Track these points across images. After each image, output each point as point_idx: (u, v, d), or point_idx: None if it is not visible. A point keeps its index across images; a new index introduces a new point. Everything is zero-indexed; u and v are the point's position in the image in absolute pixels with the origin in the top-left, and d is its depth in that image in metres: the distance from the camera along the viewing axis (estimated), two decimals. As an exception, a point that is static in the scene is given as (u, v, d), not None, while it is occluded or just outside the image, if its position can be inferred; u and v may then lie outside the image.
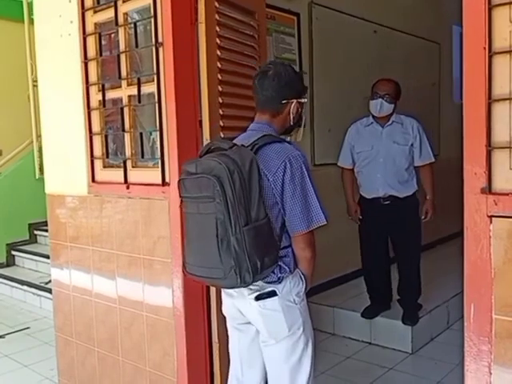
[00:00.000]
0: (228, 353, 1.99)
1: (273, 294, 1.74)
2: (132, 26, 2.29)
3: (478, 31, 1.30)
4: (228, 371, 2.00)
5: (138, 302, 2.40)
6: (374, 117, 3.47)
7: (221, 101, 2.26)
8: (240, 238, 1.56)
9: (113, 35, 2.49)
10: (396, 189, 3.48)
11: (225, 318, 1.96)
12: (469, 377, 1.40)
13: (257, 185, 1.61)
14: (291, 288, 1.76)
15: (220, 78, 2.25)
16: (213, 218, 1.59)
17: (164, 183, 2.19)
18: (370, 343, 3.66)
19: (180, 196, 1.74)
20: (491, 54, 1.28)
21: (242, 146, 1.69)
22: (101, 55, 2.49)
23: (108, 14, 2.41)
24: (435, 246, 5.73)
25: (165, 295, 2.26)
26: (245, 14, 2.44)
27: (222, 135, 2.27)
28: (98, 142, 2.54)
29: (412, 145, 3.44)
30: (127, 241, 2.42)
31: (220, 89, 2.26)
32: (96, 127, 2.53)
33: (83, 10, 2.52)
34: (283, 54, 3.66)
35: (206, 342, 2.25)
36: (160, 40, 2.12)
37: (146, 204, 2.30)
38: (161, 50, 2.12)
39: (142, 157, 2.34)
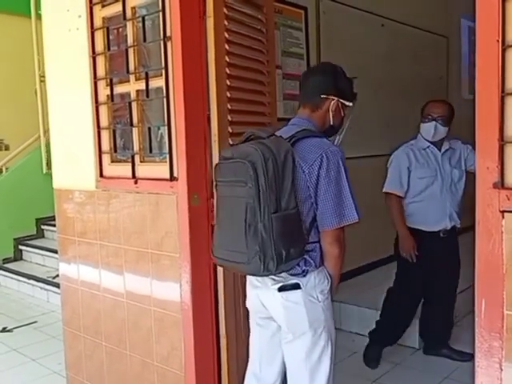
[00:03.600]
0: (236, 347, 2.00)
1: (296, 286, 1.73)
2: (140, 20, 2.28)
3: (491, 24, 1.28)
4: (236, 365, 2.01)
5: (145, 296, 2.41)
6: (426, 140, 3.16)
7: (229, 95, 2.25)
8: (268, 225, 1.57)
9: (121, 29, 2.48)
10: (458, 219, 3.16)
11: (233, 312, 1.97)
12: (479, 373, 1.39)
13: (290, 175, 1.63)
14: (315, 284, 1.76)
15: (228, 72, 2.24)
16: (243, 202, 1.60)
17: (172, 178, 2.18)
18: (376, 338, 3.66)
19: (215, 180, 1.79)
20: (505, 47, 1.27)
21: (281, 137, 1.72)
22: (109, 50, 2.49)
23: (116, 8, 2.40)
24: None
25: (172, 290, 2.26)
26: (253, 7, 2.42)
27: (231, 130, 2.26)
28: (105, 136, 2.54)
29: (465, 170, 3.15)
30: (135, 236, 2.42)
31: (228, 83, 2.24)
32: (104, 122, 2.53)
33: (91, 4, 2.52)
34: (291, 49, 3.64)
35: (213, 336, 2.25)
36: (168, 34, 2.11)
37: (154, 199, 2.30)
38: (169, 44, 2.11)
39: (150, 152, 2.33)
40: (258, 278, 1.78)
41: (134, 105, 2.36)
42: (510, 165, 1.29)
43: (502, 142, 1.29)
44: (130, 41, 2.35)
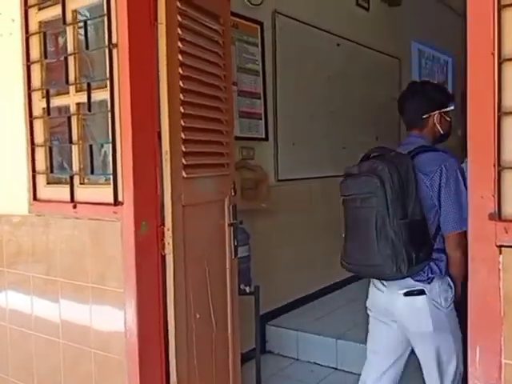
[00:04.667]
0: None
1: (422, 292, 1.89)
2: (82, 24, 2.03)
3: (486, 35, 1.14)
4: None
5: (84, 336, 2.11)
6: None
7: (182, 110, 2.03)
8: (397, 231, 1.76)
9: (60, 35, 2.21)
10: None
11: (186, 355, 1.74)
12: (474, 431, 1.22)
13: (413, 185, 1.82)
14: (440, 292, 1.90)
15: (182, 85, 2.02)
16: (373, 211, 1.79)
17: (116, 202, 1.92)
18: (336, 369, 3.47)
19: (342, 196, 2.03)
20: (501, 61, 1.12)
21: (400, 153, 1.94)
22: (46, 57, 2.21)
23: (55, 12, 2.13)
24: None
25: (116, 330, 1.98)
26: (209, 16, 2.23)
27: (184, 148, 2.04)
28: (41, 154, 2.25)
29: None
30: (73, 267, 2.13)
31: (182, 97, 2.02)
32: (39, 138, 2.24)
33: (26, 6, 2.24)
34: (246, 65, 3.47)
35: (163, 382, 1.99)
36: (114, 41, 1.86)
37: (96, 226, 2.03)
38: (115, 52, 1.87)
39: (92, 172, 2.06)
40: (384, 283, 1.98)
41: (73, 119, 2.09)
42: (508, 193, 1.14)
43: (499, 167, 1.14)
44: (70, 48, 2.08)
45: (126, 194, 1.88)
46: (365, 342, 3.36)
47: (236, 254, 2.47)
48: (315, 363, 3.56)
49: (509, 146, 1.13)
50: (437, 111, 2.07)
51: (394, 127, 5.63)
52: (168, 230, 1.99)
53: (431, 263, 1.88)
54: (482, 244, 1.17)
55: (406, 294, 1.91)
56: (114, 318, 1.98)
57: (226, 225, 2.41)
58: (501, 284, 1.15)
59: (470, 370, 1.21)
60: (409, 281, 1.88)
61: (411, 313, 1.93)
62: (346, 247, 2.00)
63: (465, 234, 1.73)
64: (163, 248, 1.99)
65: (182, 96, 2.02)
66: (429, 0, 6.48)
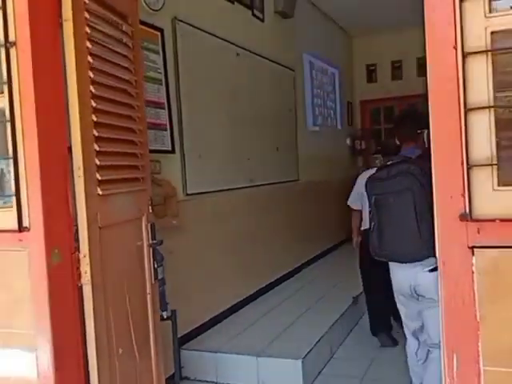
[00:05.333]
0: None
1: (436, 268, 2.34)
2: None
3: (447, 28, 1.09)
4: None
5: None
6: None
7: (95, 119, 1.79)
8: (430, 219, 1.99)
9: None
10: None
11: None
12: None
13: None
14: None
15: (93, 90, 1.79)
16: (410, 204, 2.26)
17: (21, 229, 1.62)
18: (259, 387, 3.34)
19: (373, 194, 2.50)
20: (465, 55, 1.08)
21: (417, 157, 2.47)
22: None
23: None
24: (301, 270, 5.71)
25: (26, 378, 1.67)
26: (117, 16, 2.02)
27: (98, 162, 1.80)
28: None
29: None
30: (-34, 309, 1.78)
31: (94, 104, 1.79)
32: None
33: None
34: (148, 73, 3.25)
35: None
36: (11, 39, 1.59)
37: (-5, 257, 1.71)
38: (13, 51, 1.59)
39: (-13, 194, 1.74)
40: (410, 265, 2.40)
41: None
42: (479, 192, 1.09)
43: (468, 165, 1.09)
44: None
45: (33, 217, 1.60)
46: (285, 356, 3.33)
47: (156, 277, 2.26)
48: (235, 384, 3.40)
49: (477, 142, 1.09)
50: (425, 130, 2.48)
51: (292, 138, 5.72)
52: (84, 256, 1.73)
53: None
54: (454, 246, 1.12)
55: (432, 271, 2.26)
56: (23, 368, 1.67)
57: (145, 246, 2.19)
58: (475, 287, 1.10)
59: (447, 380, 1.14)
60: (431, 260, 2.19)
61: (436, 283, 2.16)
62: (382, 238, 2.44)
63: None
64: (79, 278, 1.73)
65: (93, 103, 1.79)
66: (317, 15, 6.72)
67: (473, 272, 1.10)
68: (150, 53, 3.32)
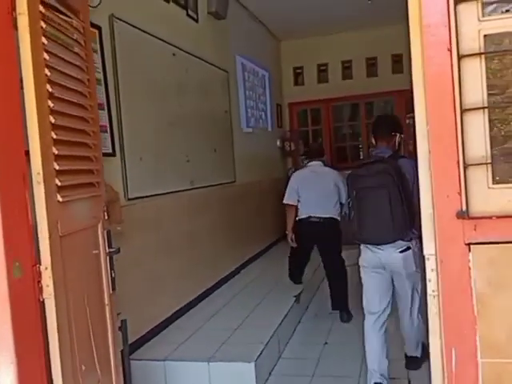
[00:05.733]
0: None
1: (409, 248, 2.94)
2: None
3: (442, 31, 1.12)
4: None
5: None
6: None
7: (53, 121, 1.66)
8: (405, 210, 2.75)
9: None
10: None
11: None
12: None
13: (402, 178, 2.79)
14: (416, 243, 2.91)
15: (50, 90, 1.66)
16: (386, 198, 2.76)
17: (-24, 242, 1.47)
18: (211, 393, 3.28)
19: (355, 189, 2.93)
20: (460, 57, 1.11)
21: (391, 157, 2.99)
22: None
23: None
24: (240, 271, 5.69)
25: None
26: (69, 10, 1.89)
27: (57, 166, 1.67)
28: None
29: None
30: None
31: (51, 105, 1.66)
32: None
33: None
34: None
35: None
36: (-39, 31, 1.44)
37: None
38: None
39: None
40: (381, 247, 2.93)
41: None
42: (475, 190, 1.13)
43: (464, 164, 1.12)
44: None
45: (-8, 229, 1.45)
46: (237, 359, 3.29)
47: (114, 287, 2.14)
48: (187, 393, 3.32)
49: (472, 142, 1.12)
50: (399, 134, 3.17)
51: (228, 140, 5.69)
52: (46, 268, 1.60)
53: (413, 229, 2.80)
54: (451, 244, 1.14)
55: (401, 252, 2.92)
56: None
57: (102, 254, 2.07)
58: (472, 283, 1.14)
59: (445, 373, 1.17)
60: (401, 242, 2.89)
61: (405, 262, 2.95)
62: (362, 224, 2.91)
63: None
64: (41, 292, 1.60)
65: (50, 103, 1.66)
66: (247, 17, 6.74)
67: (469, 268, 1.14)
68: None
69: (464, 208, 1.12)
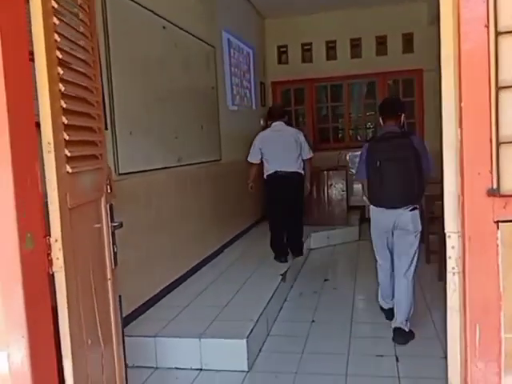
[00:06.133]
0: None
1: (416, 208, 3.47)
2: None
3: (479, 7, 1.11)
4: None
5: None
6: None
7: (63, 89, 1.61)
8: (417, 178, 3.40)
9: None
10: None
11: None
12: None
13: (417, 152, 3.39)
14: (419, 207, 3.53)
15: (60, 56, 1.60)
16: (408, 167, 3.37)
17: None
18: (201, 369, 3.29)
19: (377, 160, 3.45)
20: (497, 34, 1.11)
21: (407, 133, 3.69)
22: None
23: None
24: (224, 249, 5.69)
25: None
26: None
27: (67, 137, 1.62)
28: None
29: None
30: None
31: (60, 72, 1.60)
32: None
33: None
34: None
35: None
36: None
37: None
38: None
39: None
40: (398, 210, 3.46)
41: None
42: (507, 168, 1.14)
43: (497, 142, 1.13)
44: None
45: (3, 198, 1.40)
46: (229, 336, 3.31)
47: (116, 262, 2.11)
48: (177, 368, 3.32)
49: (506, 120, 1.13)
50: (403, 113, 3.66)
51: (214, 117, 5.63)
52: (56, 241, 1.56)
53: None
54: (480, 221, 1.16)
55: (411, 210, 3.46)
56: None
57: (105, 228, 2.03)
58: (499, 259, 1.15)
59: (468, 350, 1.19)
60: (411, 206, 3.46)
61: (413, 220, 3.47)
62: (384, 191, 3.45)
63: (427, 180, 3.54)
64: (51, 265, 1.56)
65: (60, 70, 1.60)
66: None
67: (497, 245, 1.15)
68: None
69: (495, 186, 1.13)
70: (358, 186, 8.26)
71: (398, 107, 3.68)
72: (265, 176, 5.16)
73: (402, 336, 3.48)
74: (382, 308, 3.92)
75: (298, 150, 5.07)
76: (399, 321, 3.52)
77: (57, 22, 1.59)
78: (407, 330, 3.50)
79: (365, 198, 3.86)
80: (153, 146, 4.02)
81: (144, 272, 3.77)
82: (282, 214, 5.09)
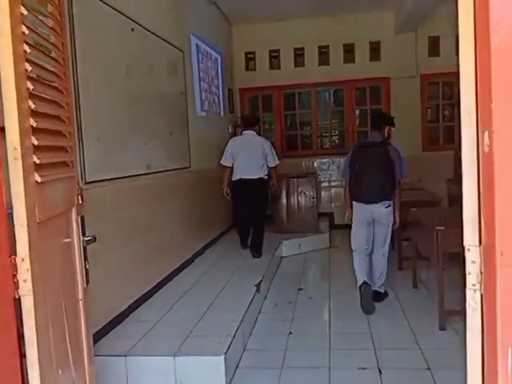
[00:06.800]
0: None
1: (390, 205, 4.25)
2: None
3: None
4: None
5: None
6: None
7: (31, 88, 1.42)
8: (391, 179, 4.20)
9: None
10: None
11: None
12: None
13: (390, 159, 4.21)
14: (392, 204, 4.28)
15: (28, 50, 1.41)
16: (380, 171, 4.16)
17: None
18: (176, 389, 3.09)
19: (357, 164, 4.27)
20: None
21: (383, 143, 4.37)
22: None
23: None
24: (194, 259, 5.50)
25: None
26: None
27: (36, 141, 1.43)
28: None
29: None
30: None
31: (28, 68, 1.41)
32: None
33: None
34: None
35: None
36: None
37: None
38: None
39: None
40: (376, 205, 4.24)
41: None
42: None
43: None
44: None
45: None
46: (205, 353, 3.12)
47: (88, 280, 1.92)
48: (151, 388, 3.11)
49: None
50: (387, 126, 4.49)
51: (183, 123, 5.45)
52: (23, 260, 1.36)
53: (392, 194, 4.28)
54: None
55: (386, 207, 4.24)
56: None
57: (76, 243, 1.84)
58: (533, 276, 1.04)
59: (499, 378, 1.07)
60: (386, 202, 4.23)
61: (387, 215, 4.27)
62: (361, 189, 4.26)
63: (399, 181, 4.36)
64: (17, 288, 1.36)
65: (28, 66, 1.41)
66: (202, -5, 6.48)
67: (530, 260, 1.04)
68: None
69: (529, 193, 1.02)
70: (325, 194, 8.24)
71: (383, 120, 4.53)
72: (232, 180, 5.67)
73: (377, 296, 4.39)
74: (360, 287, 4.31)
75: (263, 159, 5.58)
76: (377, 285, 4.43)
77: (24, 11, 1.40)
78: (382, 292, 4.48)
79: (346, 194, 4.61)
80: (121, 152, 3.81)
81: (111, 285, 3.54)
82: (245, 213, 5.71)
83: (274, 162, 5.68)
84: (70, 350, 1.69)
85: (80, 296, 1.85)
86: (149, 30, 4.43)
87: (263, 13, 7.61)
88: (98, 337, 3.36)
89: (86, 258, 1.88)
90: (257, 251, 5.57)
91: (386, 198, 4.19)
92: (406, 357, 3.36)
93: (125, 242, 3.82)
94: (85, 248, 1.88)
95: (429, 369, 3.17)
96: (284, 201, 6.94)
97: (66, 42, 1.83)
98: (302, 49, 8.22)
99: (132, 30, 4.09)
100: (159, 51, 4.72)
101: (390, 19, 7.84)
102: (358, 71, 8.05)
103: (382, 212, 4.23)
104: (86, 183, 3.25)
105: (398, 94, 8.02)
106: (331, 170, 8.34)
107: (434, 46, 7.92)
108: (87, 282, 1.90)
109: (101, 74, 3.52)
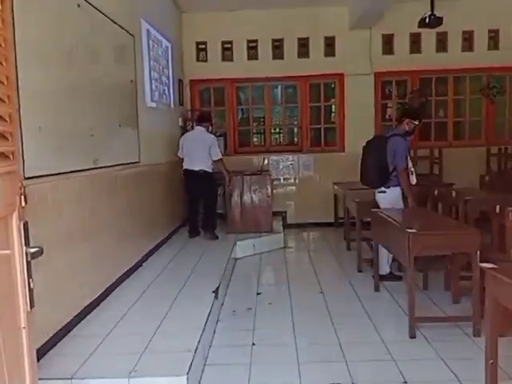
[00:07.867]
0: None
1: (384, 191, 4.85)
2: None
3: None
4: None
5: None
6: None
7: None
8: (380, 167, 4.80)
9: None
10: None
11: None
12: None
13: (383, 149, 4.83)
14: (389, 192, 4.85)
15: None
16: (376, 160, 4.79)
17: None
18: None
19: (363, 153, 4.99)
20: None
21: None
22: None
23: None
24: (141, 265, 5.07)
25: None
26: None
27: None
28: None
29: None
30: None
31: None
32: None
33: None
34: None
35: None
36: None
37: None
38: None
39: None
40: (373, 189, 4.96)
41: None
42: None
43: None
44: None
45: None
46: (164, 373, 2.75)
47: (33, 303, 1.52)
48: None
49: None
50: (407, 119, 4.87)
51: (133, 114, 5.02)
52: None
53: (388, 181, 4.81)
54: None
55: (380, 192, 4.86)
56: None
57: (18, 257, 1.44)
58: None
59: None
60: (382, 188, 4.82)
61: (383, 199, 4.84)
62: (364, 175, 4.94)
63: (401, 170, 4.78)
64: None
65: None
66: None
67: None
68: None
69: None
70: (278, 192, 7.98)
71: (403, 113, 5.17)
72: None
73: (384, 277, 4.84)
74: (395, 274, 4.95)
75: (207, 153, 6.10)
76: (382, 270, 4.84)
77: None
78: (385, 274, 4.89)
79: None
80: (65, 145, 3.36)
81: (52, 296, 3.09)
82: (195, 201, 6.30)
83: (216, 155, 6.12)
84: (8, 394, 1.30)
85: (23, 323, 1.45)
86: (97, 9, 3.97)
87: (215, 1, 7.24)
88: (39, 355, 2.91)
89: (30, 276, 1.48)
90: (209, 231, 6.15)
91: (380, 183, 4.76)
92: (381, 369, 3.14)
93: (69, 246, 3.37)
94: (29, 263, 1.48)
95: (405, 382, 2.96)
96: (237, 199, 6.62)
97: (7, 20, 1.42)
98: (256, 41, 7.92)
99: (78, 5, 3.62)
100: (108, 33, 4.27)
101: (345, 15, 7.69)
102: (313, 66, 7.86)
103: (379, 196, 4.88)
104: (26, 179, 2.79)
105: (353, 90, 7.89)
106: (284, 168, 8.11)
107: (387, 45, 7.85)
108: (31, 306, 1.50)
109: (43, 54, 3.06)
